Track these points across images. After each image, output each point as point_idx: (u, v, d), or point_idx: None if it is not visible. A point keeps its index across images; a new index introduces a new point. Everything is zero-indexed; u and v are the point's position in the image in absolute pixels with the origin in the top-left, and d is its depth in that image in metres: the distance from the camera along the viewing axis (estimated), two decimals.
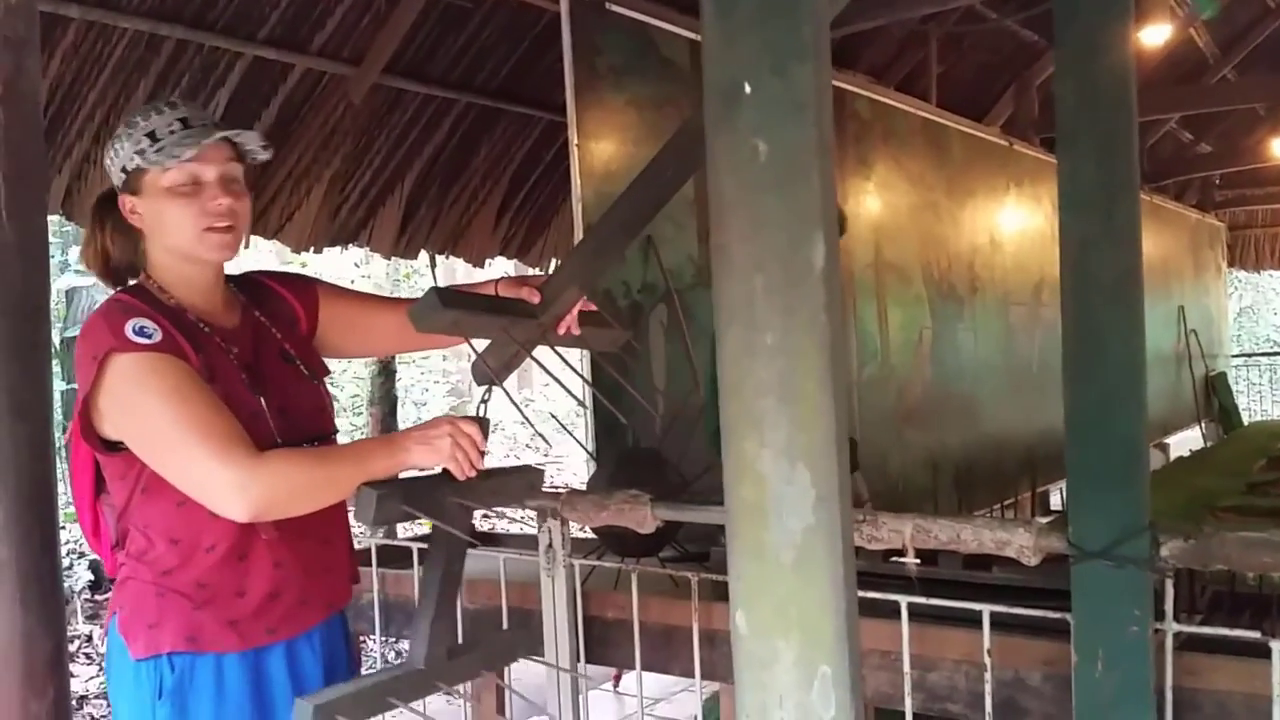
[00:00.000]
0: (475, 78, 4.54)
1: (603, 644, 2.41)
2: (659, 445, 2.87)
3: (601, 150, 3.30)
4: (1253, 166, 8.56)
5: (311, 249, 4.35)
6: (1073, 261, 1.67)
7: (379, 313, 1.87)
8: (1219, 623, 1.84)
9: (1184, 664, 1.74)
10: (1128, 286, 1.62)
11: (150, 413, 1.52)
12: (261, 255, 8.72)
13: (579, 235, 3.24)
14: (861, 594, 1.31)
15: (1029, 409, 5.65)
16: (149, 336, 1.53)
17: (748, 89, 0.98)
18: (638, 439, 3.13)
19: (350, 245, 4.65)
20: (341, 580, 1.77)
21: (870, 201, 4.67)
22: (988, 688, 1.82)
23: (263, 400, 1.61)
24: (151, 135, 1.58)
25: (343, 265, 8.90)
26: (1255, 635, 1.66)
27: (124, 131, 1.61)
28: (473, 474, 1.58)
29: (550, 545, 2.31)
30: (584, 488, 2.69)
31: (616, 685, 4.36)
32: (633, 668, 2.30)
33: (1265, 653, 1.64)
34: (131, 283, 1.67)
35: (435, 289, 1.56)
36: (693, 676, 2.18)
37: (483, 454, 1.58)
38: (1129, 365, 1.64)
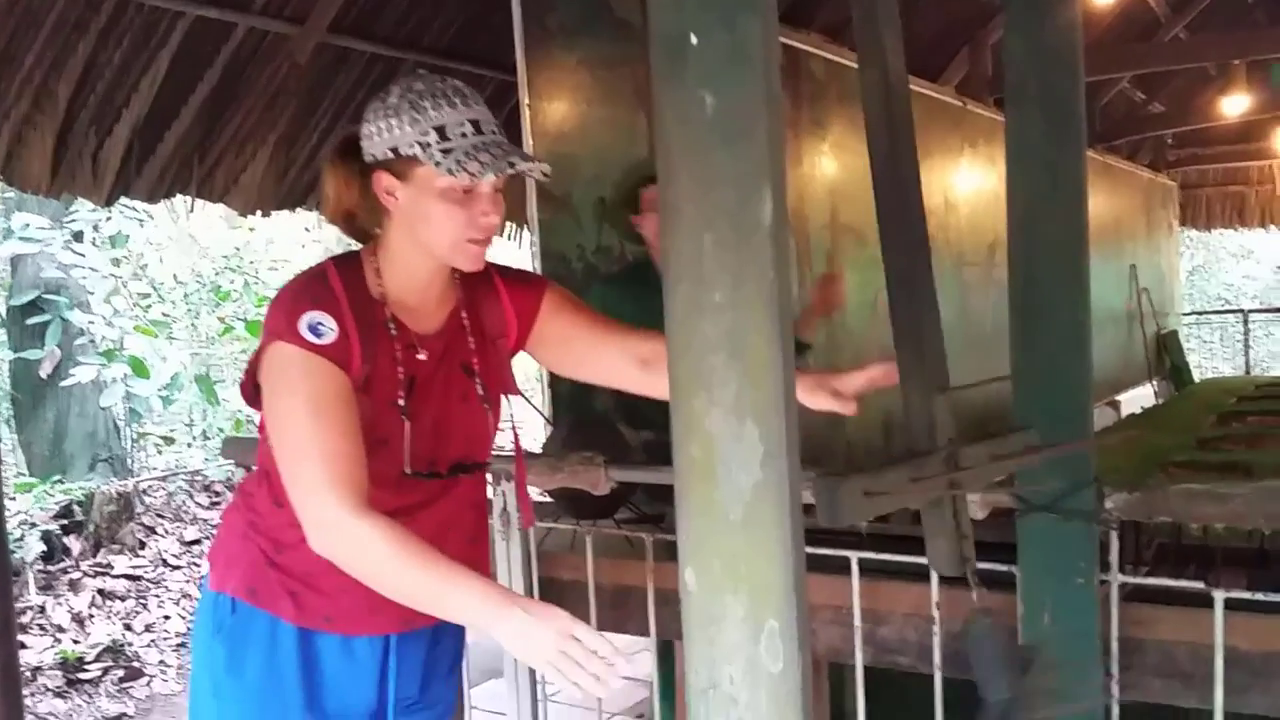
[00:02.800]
0: (423, 36, 4.46)
1: (559, 605, 2.41)
2: (614, 408, 2.87)
3: (554, 111, 3.27)
4: (1205, 126, 8.64)
5: (259, 212, 4.28)
6: (1020, 218, 1.68)
7: (606, 342, 1.70)
8: (1164, 574, 1.88)
9: (1129, 614, 1.78)
10: (1074, 242, 1.64)
11: (288, 411, 1.48)
12: (210, 219, 8.59)
13: (532, 198, 3.22)
14: (813, 550, 1.33)
15: (982, 369, 5.70)
16: (319, 336, 1.47)
17: (694, 40, 0.97)
18: (593, 402, 3.13)
19: (299, 208, 4.58)
20: None
21: (826, 163, 4.66)
22: (936, 640, 1.85)
23: (408, 425, 1.53)
24: (441, 132, 1.47)
25: (293, 229, 8.78)
26: (1199, 586, 1.70)
27: (404, 108, 1.48)
28: (592, 688, 1.30)
29: (505, 509, 2.31)
30: (540, 451, 2.68)
31: None
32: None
33: (1208, 603, 1.68)
34: (354, 249, 1.60)
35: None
36: (648, 635, 2.20)
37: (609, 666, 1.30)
38: (1075, 321, 1.65)
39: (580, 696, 1.37)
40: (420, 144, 1.47)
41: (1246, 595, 1.68)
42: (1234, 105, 7.38)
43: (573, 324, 1.71)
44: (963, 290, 5.88)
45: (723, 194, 0.97)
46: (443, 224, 1.50)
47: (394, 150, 1.49)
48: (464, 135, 1.47)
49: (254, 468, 1.66)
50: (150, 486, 6.15)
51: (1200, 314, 13.18)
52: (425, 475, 1.56)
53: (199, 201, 4.09)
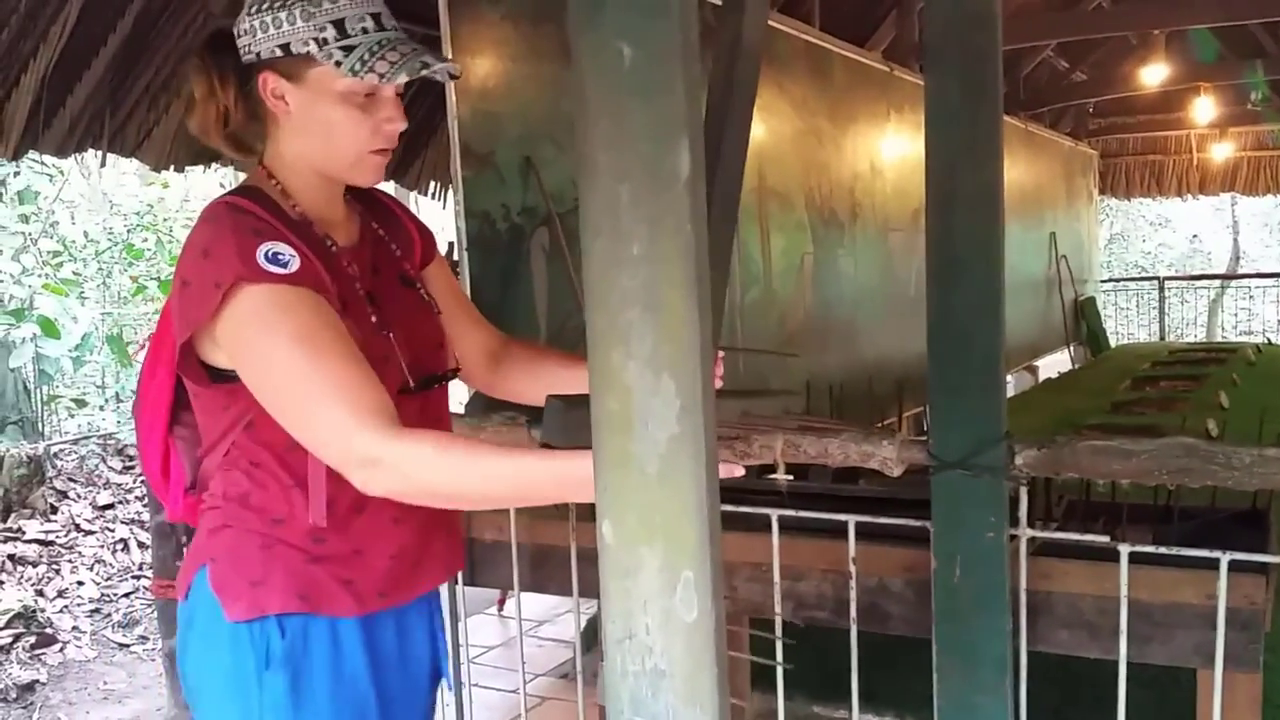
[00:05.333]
0: None
1: (483, 565, 2.42)
2: None
3: (478, 67, 3.22)
4: (1125, 95, 8.84)
5: (172, 168, 4.17)
6: (937, 178, 1.70)
7: (465, 325, 1.60)
8: (1073, 530, 1.93)
9: (1038, 568, 1.83)
10: (989, 202, 1.67)
11: (279, 359, 1.27)
12: (123, 176, 8.34)
13: (456, 156, 3.17)
14: (734, 509, 1.34)
15: (905, 333, 5.79)
16: (284, 265, 1.29)
17: None
18: None
19: (214, 165, 4.47)
20: (456, 540, 1.55)
21: (753, 126, 4.67)
22: (853, 594, 1.89)
23: (391, 336, 1.39)
24: (339, 26, 1.31)
25: (208, 186, 8.55)
26: (1104, 540, 1.75)
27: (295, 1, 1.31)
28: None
29: None
30: (462, 411, 2.67)
31: (501, 609, 4.39)
32: (512, 588, 2.32)
33: (1114, 557, 1.74)
34: (244, 180, 1.42)
35: (556, 397, 1.25)
36: (570, 595, 2.21)
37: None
38: (989, 280, 1.68)
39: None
40: (316, 40, 1.31)
41: (1151, 549, 1.73)
42: (1153, 75, 7.55)
43: (446, 288, 1.59)
44: (887, 255, 5.96)
45: (639, 146, 0.97)
46: (346, 135, 1.35)
47: (284, 48, 1.32)
48: (365, 31, 1.32)
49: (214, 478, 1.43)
50: (62, 450, 5.99)
51: (1118, 281, 13.51)
52: (413, 390, 1.41)
53: (110, 156, 3.97)
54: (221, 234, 1.31)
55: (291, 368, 1.27)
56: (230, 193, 1.41)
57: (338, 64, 1.31)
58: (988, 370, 1.71)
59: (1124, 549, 1.71)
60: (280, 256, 1.30)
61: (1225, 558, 1.65)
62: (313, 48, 1.32)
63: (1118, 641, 1.73)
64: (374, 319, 1.38)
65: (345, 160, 1.38)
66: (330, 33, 1.31)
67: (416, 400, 1.42)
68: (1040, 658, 1.84)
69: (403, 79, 1.33)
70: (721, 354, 1.43)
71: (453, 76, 1.42)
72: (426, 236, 1.58)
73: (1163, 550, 1.72)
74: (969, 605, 1.75)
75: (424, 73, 1.34)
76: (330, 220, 1.43)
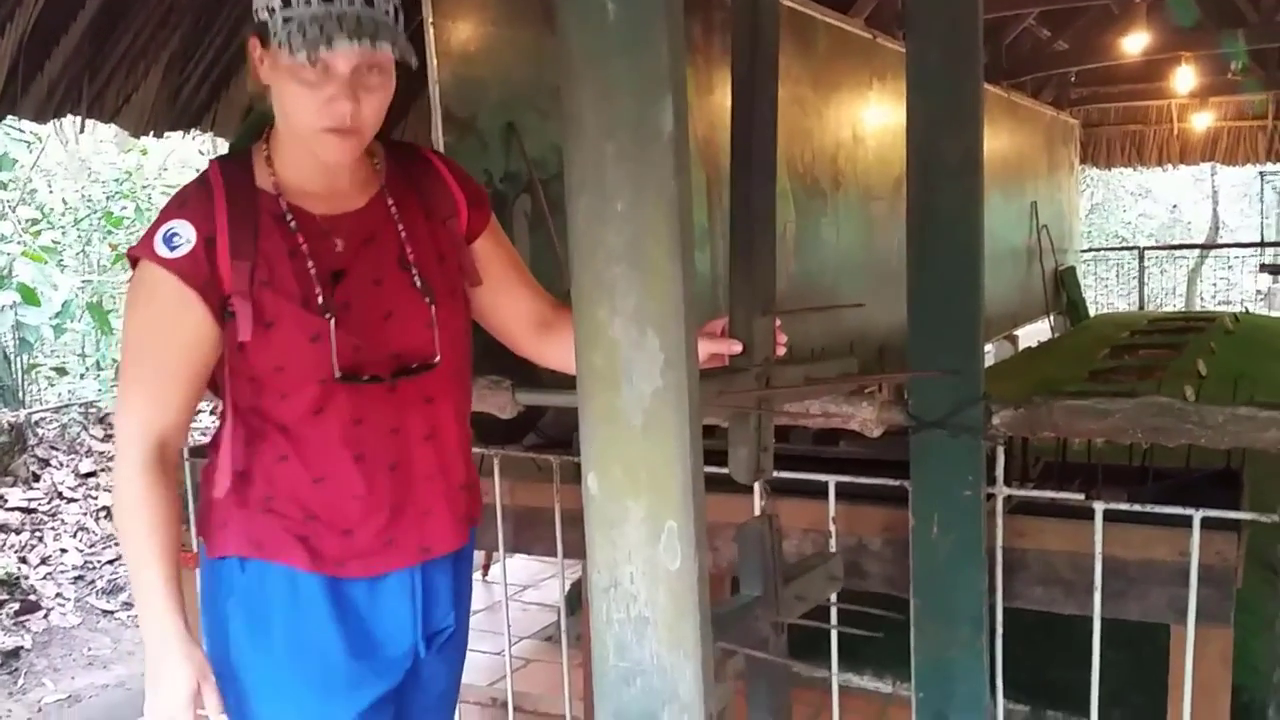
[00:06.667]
0: None
1: None
2: None
3: (459, 31, 3.21)
4: (1107, 64, 8.84)
5: (151, 133, 4.14)
6: (918, 143, 1.72)
7: (518, 290, 1.58)
8: (1049, 490, 1.96)
9: (1014, 526, 1.86)
10: (969, 167, 1.68)
11: (127, 339, 1.40)
12: (101, 143, 8.27)
13: (438, 121, 3.16)
14: (716, 470, 1.36)
15: (887, 301, 5.82)
16: (172, 249, 1.33)
17: None
18: None
19: (194, 129, 4.44)
20: (444, 524, 1.50)
21: None
22: (840, 559, 1.91)
23: (332, 322, 1.36)
24: None
25: (187, 151, 8.48)
26: (1079, 498, 1.79)
27: None
28: None
29: None
30: None
31: (485, 574, 4.42)
32: (497, 550, 2.34)
33: (1089, 515, 1.77)
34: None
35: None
36: (555, 556, 2.23)
37: None
38: (968, 243, 1.70)
39: None
40: (267, 9, 1.29)
41: (1125, 507, 1.77)
42: (1133, 43, 7.56)
43: (499, 255, 1.56)
44: (869, 223, 5.97)
45: (624, 103, 0.98)
46: (295, 110, 1.33)
47: (257, 12, 1.32)
48: (308, 2, 1.27)
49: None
50: (43, 418, 5.97)
51: (1098, 251, 13.58)
52: (363, 379, 1.39)
53: (89, 122, 3.94)
54: (171, 199, 1.40)
55: (127, 349, 1.40)
56: (222, 155, 1.45)
57: (275, 37, 1.28)
58: (967, 332, 1.73)
59: (1099, 506, 1.75)
60: (174, 239, 1.34)
61: (1198, 514, 1.69)
62: (264, 15, 1.30)
63: (1092, 597, 1.76)
64: (320, 298, 1.37)
65: (300, 135, 1.35)
66: (277, 2, 1.29)
67: (379, 389, 1.41)
68: (1016, 614, 1.87)
69: (305, 56, 1.26)
70: (779, 321, 1.44)
71: (410, 60, 1.34)
72: (477, 205, 1.54)
73: (1137, 508, 1.75)
74: (946, 563, 1.78)
75: (348, 47, 1.26)
76: (320, 192, 1.42)
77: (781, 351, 1.44)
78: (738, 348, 1.37)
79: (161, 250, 1.33)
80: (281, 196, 1.39)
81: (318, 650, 1.43)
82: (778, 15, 1.42)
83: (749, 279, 1.38)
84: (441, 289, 1.47)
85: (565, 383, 2.13)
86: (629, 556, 1.01)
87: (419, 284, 1.44)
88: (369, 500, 1.42)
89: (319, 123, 1.32)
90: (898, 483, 1.84)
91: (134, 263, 1.38)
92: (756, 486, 1.97)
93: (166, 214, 1.37)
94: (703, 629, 1.01)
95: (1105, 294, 12.42)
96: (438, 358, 1.45)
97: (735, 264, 1.39)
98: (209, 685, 1.39)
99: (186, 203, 1.37)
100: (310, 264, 1.38)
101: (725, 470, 1.93)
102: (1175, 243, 16.48)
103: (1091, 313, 10.05)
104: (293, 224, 1.39)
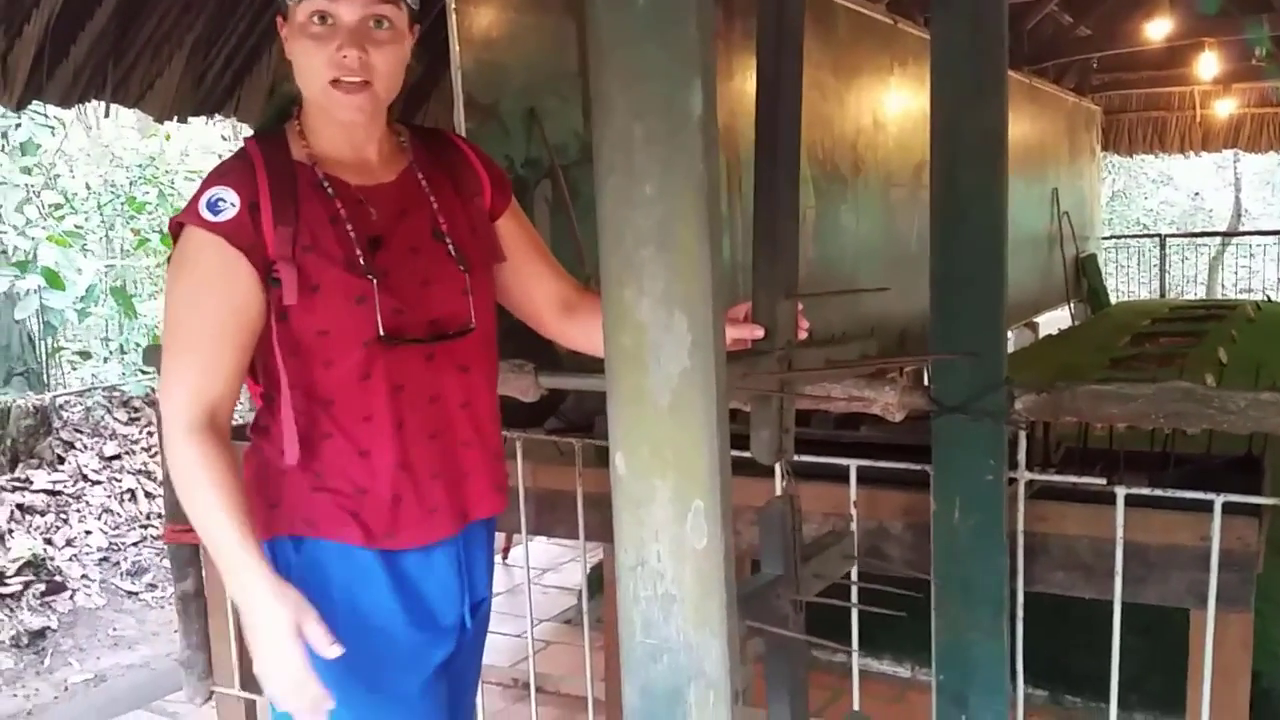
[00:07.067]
0: None
1: None
2: None
3: (481, 16, 3.22)
4: (1129, 50, 8.75)
5: (175, 118, 4.17)
6: (942, 127, 1.72)
7: (542, 272, 1.61)
8: (1070, 475, 1.96)
9: (1035, 511, 1.87)
10: (993, 150, 1.68)
11: (172, 303, 1.39)
12: (122, 128, 8.32)
13: (459, 107, 3.18)
14: (738, 453, 1.37)
15: (906, 287, 5.81)
16: (217, 213, 1.35)
17: None
18: None
19: (216, 115, 4.47)
20: (481, 489, 1.54)
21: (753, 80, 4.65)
22: (854, 537, 1.92)
23: (375, 282, 1.39)
24: None
25: (209, 137, 8.52)
26: (1100, 482, 1.79)
27: None
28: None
29: None
30: None
31: (505, 557, 4.45)
32: (518, 532, 2.36)
33: (1111, 500, 1.77)
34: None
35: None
36: (577, 538, 2.25)
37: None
38: (992, 227, 1.71)
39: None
40: None
41: (1146, 491, 1.77)
42: (1156, 29, 7.50)
43: (520, 235, 1.61)
44: (890, 210, 5.96)
45: (653, 86, 0.99)
46: (305, 66, 1.38)
47: None
48: None
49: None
50: (68, 401, 6.03)
51: (1119, 238, 13.48)
52: (406, 340, 1.42)
53: (113, 106, 3.97)
54: (208, 174, 1.41)
55: (174, 314, 1.39)
56: (256, 133, 1.49)
57: None
58: (990, 316, 1.73)
59: (1120, 491, 1.75)
60: (218, 204, 1.36)
61: (1219, 499, 1.69)
62: None
63: (1113, 582, 1.77)
64: (361, 261, 1.40)
65: (314, 95, 1.39)
66: None
67: (418, 351, 1.44)
68: (1036, 598, 1.88)
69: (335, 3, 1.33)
70: (801, 306, 1.46)
71: (410, 7, 1.42)
72: (499, 185, 1.58)
73: (1158, 493, 1.75)
74: (968, 546, 1.79)
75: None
76: (346, 160, 1.45)
77: (804, 335, 1.45)
78: (760, 333, 1.39)
79: (206, 215, 1.35)
80: (317, 166, 1.43)
81: (381, 624, 1.45)
82: (803, 2, 1.42)
83: (772, 264, 1.40)
84: (475, 259, 1.50)
85: (587, 366, 2.15)
86: (656, 535, 1.03)
87: (453, 253, 1.47)
88: (412, 470, 1.45)
89: (328, 73, 1.36)
90: (919, 467, 1.85)
91: (176, 233, 1.40)
92: (777, 470, 1.98)
93: (208, 183, 1.39)
94: (728, 606, 1.02)
95: (1126, 281, 12.33)
96: (474, 324, 1.49)
97: (758, 249, 1.40)
98: (310, 619, 1.34)
99: (228, 173, 1.39)
100: (350, 229, 1.41)
101: (746, 454, 1.95)
102: (1197, 230, 16.34)
103: (1113, 300, 9.99)
104: (330, 191, 1.42)
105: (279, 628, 1.33)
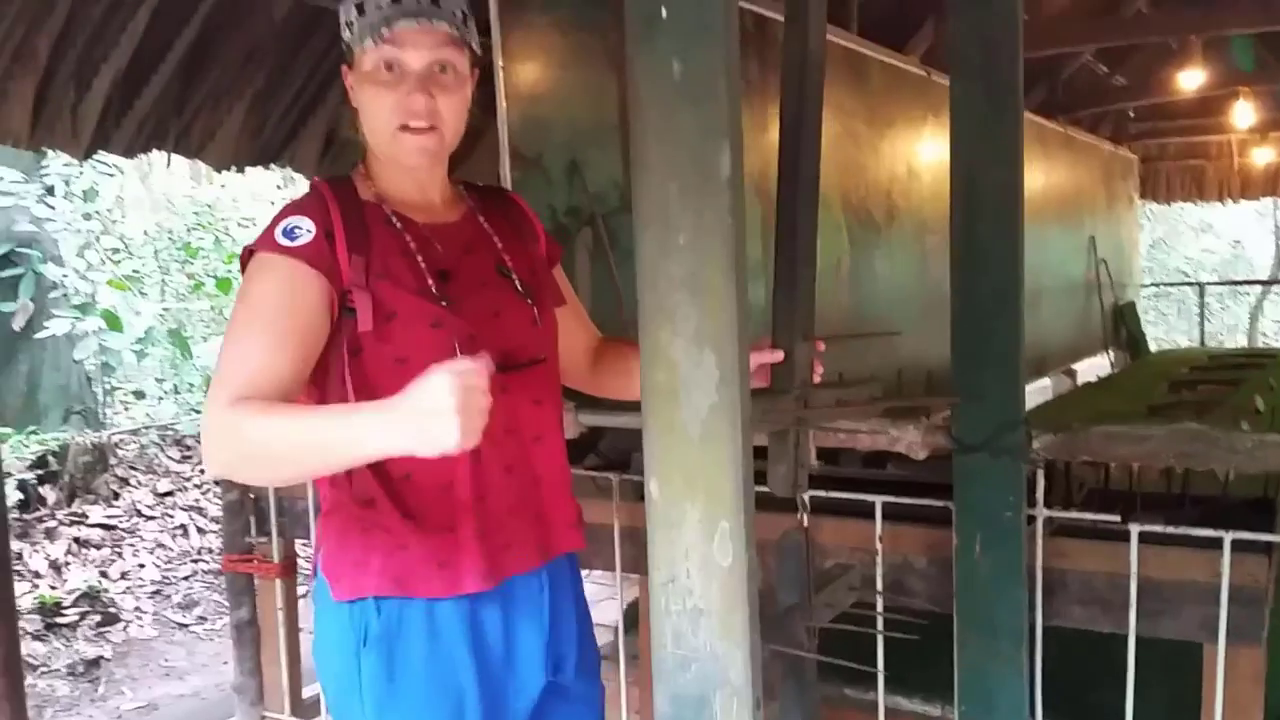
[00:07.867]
0: None
1: None
2: None
3: (527, 73, 3.36)
4: (1165, 100, 8.80)
5: (233, 168, 4.35)
6: (961, 180, 1.82)
7: (576, 327, 1.66)
8: (1089, 513, 2.03)
9: (1054, 547, 1.94)
10: (1009, 201, 1.78)
11: (236, 311, 1.36)
12: (176, 176, 8.58)
13: (505, 160, 3.31)
14: (766, 489, 1.47)
15: (939, 333, 5.86)
16: (293, 239, 1.36)
17: (664, 13, 1.10)
18: None
19: (273, 164, 4.65)
20: (557, 525, 1.54)
21: None
22: (879, 571, 2.01)
23: (448, 308, 1.40)
24: (360, 7, 1.38)
25: (263, 185, 8.79)
26: (1114, 519, 1.86)
27: None
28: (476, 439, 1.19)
29: None
30: None
31: None
32: None
33: (1126, 538, 1.84)
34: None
35: None
36: (613, 570, 2.34)
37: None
38: (1009, 275, 1.80)
39: None
40: (347, 24, 1.41)
41: (1159, 529, 1.84)
42: (1190, 80, 7.56)
43: (565, 289, 1.67)
44: (924, 256, 6.03)
45: (687, 149, 1.10)
46: (373, 113, 1.41)
47: (344, 40, 1.43)
48: (379, 7, 1.37)
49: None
50: (123, 439, 6.22)
51: (1158, 286, 13.42)
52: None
53: (175, 157, 4.15)
54: (281, 209, 1.44)
55: (232, 323, 1.36)
56: (324, 176, 1.54)
57: (356, 41, 1.39)
58: (1007, 359, 1.82)
59: (1134, 528, 1.82)
60: (295, 231, 1.37)
61: (1228, 536, 1.76)
62: (346, 33, 1.42)
63: (1128, 616, 1.84)
64: (434, 289, 1.41)
65: (382, 140, 1.42)
66: (353, 14, 1.40)
67: (494, 380, 1.30)
68: (1055, 631, 1.95)
69: (385, 33, 1.35)
70: (822, 346, 1.54)
71: (477, 49, 1.44)
72: (550, 239, 1.65)
73: (1170, 530, 1.82)
74: (988, 581, 1.86)
75: (411, 27, 1.36)
76: (412, 201, 1.48)
77: (818, 379, 1.54)
78: (779, 355, 1.48)
79: (283, 240, 1.36)
80: (384, 204, 1.46)
81: (455, 685, 1.43)
82: (823, 57, 1.53)
83: (791, 306, 1.50)
84: (539, 295, 1.54)
85: (624, 405, 2.26)
86: (686, 554, 1.13)
87: (519, 287, 1.51)
88: (488, 504, 1.44)
89: (396, 119, 1.39)
90: (942, 504, 1.93)
91: (245, 262, 1.40)
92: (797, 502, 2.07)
93: (283, 215, 1.40)
94: (751, 620, 1.12)
95: (1167, 330, 12.30)
96: (544, 355, 1.52)
97: (778, 294, 1.51)
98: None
99: (302, 205, 1.42)
100: (420, 260, 1.43)
101: (763, 489, 2.04)
102: (1237, 278, 16.23)
103: (1153, 348, 9.95)
104: (399, 225, 1.45)
105: (411, 396, 1.18)
